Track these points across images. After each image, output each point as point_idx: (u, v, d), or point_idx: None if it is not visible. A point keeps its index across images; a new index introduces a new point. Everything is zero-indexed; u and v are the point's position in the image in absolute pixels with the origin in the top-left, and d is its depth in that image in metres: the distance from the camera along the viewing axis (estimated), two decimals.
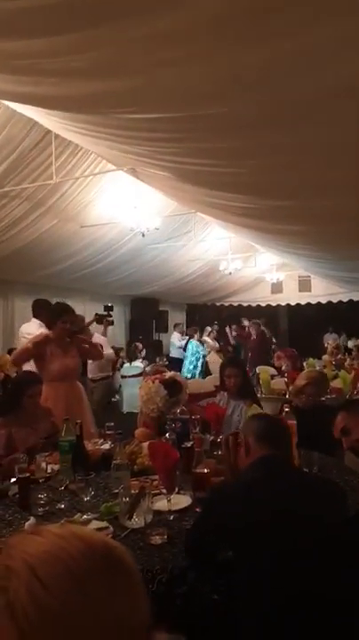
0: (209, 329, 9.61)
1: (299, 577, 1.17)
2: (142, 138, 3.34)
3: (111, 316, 5.82)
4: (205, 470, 1.87)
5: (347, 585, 1.17)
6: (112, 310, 6.36)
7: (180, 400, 2.34)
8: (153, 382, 2.24)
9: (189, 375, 8.44)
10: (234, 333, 9.82)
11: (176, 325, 11.54)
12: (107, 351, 5.43)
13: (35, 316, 4.83)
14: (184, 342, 10.08)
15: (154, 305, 11.18)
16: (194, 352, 8.63)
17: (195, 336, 9.57)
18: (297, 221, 4.83)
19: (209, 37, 1.94)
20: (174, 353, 10.60)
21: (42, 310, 4.72)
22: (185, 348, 9.88)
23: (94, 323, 5.18)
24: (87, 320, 5.28)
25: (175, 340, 10.73)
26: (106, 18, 1.78)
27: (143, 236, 6.70)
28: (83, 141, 4.38)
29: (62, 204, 6.34)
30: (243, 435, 1.55)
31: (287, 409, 2.44)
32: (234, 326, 10.28)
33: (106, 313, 5.67)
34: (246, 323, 9.86)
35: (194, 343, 8.83)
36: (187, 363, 8.63)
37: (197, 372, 9.09)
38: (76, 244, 7.30)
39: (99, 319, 5.39)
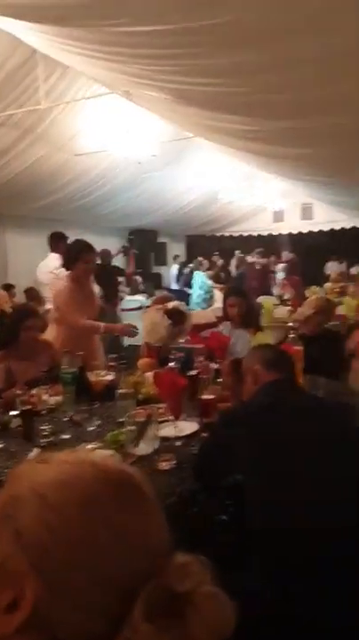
0: (200, 259, 9.42)
1: (311, 501, 1.18)
2: (137, 55, 3.07)
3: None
4: (212, 396, 1.87)
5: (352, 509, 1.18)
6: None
7: (184, 330, 2.31)
8: (156, 312, 2.19)
9: (198, 308, 8.39)
10: (237, 263, 9.70)
11: (175, 257, 11.38)
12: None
13: (53, 249, 4.75)
14: (182, 273, 9.98)
15: (152, 237, 10.94)
16: (201, 284, 8.48)
17: (201, 267, 9.41)
18: (301, 143, 4.58)
19: None
20: (175, 286, 10.55)
21: (60, 243, 4.64)
22: (185, 280, 9.77)
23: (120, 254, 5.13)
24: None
25: (175, 272, 10.63)
26: None
27: (139, 163, 6.41)
28: (73, 61, 4.04)
29: (53, 132, 6.00)
30: (250, 364, 1.53)
31: (292, 335, 2.41)
32: (238, 256, 10.11)
33: (128, 245, 5.72)
34: (248, 257, 9.71)
35: (201, 275, 8.66)
36: (194, 295, 8.54)
37: (206, 305, 9.02)
38: (69, 174, 7.00)
39: (126, 251, 5.39)
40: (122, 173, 7.50)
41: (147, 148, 6.22)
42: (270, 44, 2.60)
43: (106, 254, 6.75)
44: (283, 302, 5.54)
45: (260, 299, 6.18)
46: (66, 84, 5.29)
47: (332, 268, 9.50)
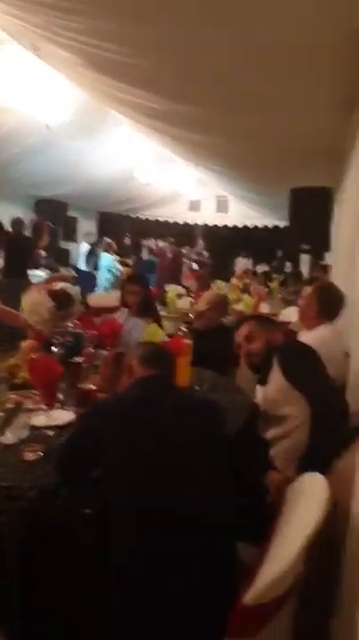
0: (109, 241, 9.20)
1: (169, 495, 1.16)
2: (38, 3, 2.80)
3: None
4: (91, 386, 1.79)
5: (217, 505, 1.19)
6: None
7: (71, 314, 2.19)
8: (39, 292, 2.05)
9: (104, 291, 8.15)
10: (150, 247, 9.60)
11: (86, 235, 10.99)
12: None
13: None
14: (94, 254, 9.66)
15: (61, 209, 10.40)
16: (108, 267, 8.26)
17: (110, 249, 9.16)
18: (210, 133, 4.57)
19: None
20: (84, 265, 10.22)
21: None
22: (95, 261, 9.49)
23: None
24: None
25: (84, 251, 10.26)
26: None
27: (48, 128, 6.00)
28: None
29: None
30: (129, 358, 1.49)
31: (184, 329, 2.40)
32: (150, 241, 10.01)
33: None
34: (161, 243, 9.65)
35: (109, 257, 8.42)
36: (101, 278, 8.28)
37: (113, 288, 8.79)
38: None
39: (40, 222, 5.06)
40: (31, 136, 6.99)
41: (61, 112, 5.85)
42: (175, 20, 2.49)
43: (18, 223, 6.32)
44: (189, 294, 5.59)
45: (168, 287, 6.20)
46: None
47: (240, 264, 9.80)
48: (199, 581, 1.10)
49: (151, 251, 9.23)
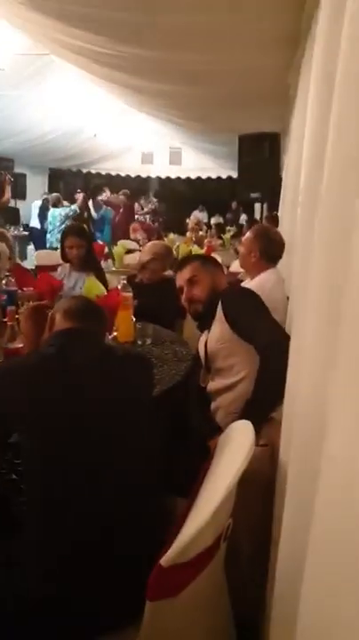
0: (58, 195, 8.81)
1: (87, 453, 1.11)
2: None
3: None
4: (19, 345, 1.70)
5: (135, 461, 1.15)
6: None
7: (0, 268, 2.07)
8: None
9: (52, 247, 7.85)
10: (103, 199, 9.22)
11: (44, 194, 10.51)
12: None
13: None
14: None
15: (8, 166, 9.86)
16: (57, 222, 7.92)
17: (59, 204, 8.76)
18: (160, 78, 4.37)
19: None
20: (35, 223, 9.82)
21: None
22: (44, 217, 9.10)
23: None
24: None
25: (37, 209, 9.82)
26: None
27: None
28: None
29: None
30: (54, 311, 1.38)
31: (124, 281, 2.31)
32: (104, 193, 9.62)
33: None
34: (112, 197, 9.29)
35: (57, 211, 8.05)
36: (49, 235, 7.95)
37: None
38: None
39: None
40: None
41: None
42: None
43: None
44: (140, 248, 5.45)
45: (119, 242, 6.03)
46: None
47: (195, 217, 9.65)
48: (122, 537, 1.07)
49: (105, 203, 8.89)
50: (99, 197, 8.73)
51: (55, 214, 7.40)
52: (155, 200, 9.91)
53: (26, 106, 7.67)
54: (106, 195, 8.99)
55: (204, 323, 1.91)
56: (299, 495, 0.87)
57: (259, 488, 1.36)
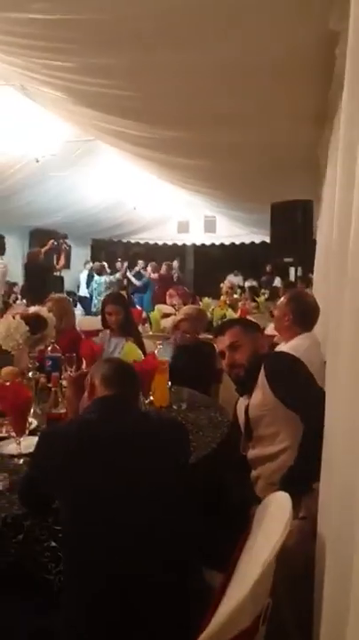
0: (102, 264, 9.27)
1: (124, 520, 1.12)
2: (22, 46, 2.91)
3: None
4: (62, 411, 1.76)
5: (171, 532, 1.14)
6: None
7: (46, 337, 2.17)
8: (14, 318, 2.04)
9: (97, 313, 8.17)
10: (147, 270, 9.71)
11: (86, 263, 11.11)
12: None
13: None
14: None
15: (54, 238, 10.55)
16: (102, 289, 8.27)
17: (103, 272, 9.20)
18: (194, 155, 4.67)
19: None
20: (83, 291, 10.27)
21: None
22: (88, 285, 9.55)
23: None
24: None
25: (85, 277, 10.35)
26: None
27: (37, 162, 6.17)
28: None
29: None
30: (92, 378, 1.44)
31: (160, 346, 2.37)
32: (140, 265, 10.12)
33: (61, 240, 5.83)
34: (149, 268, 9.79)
35: (102, 279, 8.43)
36: (95, 301, 8.31)
37: None
38: None
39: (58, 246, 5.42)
40: (21, 171, 7.15)
41: (48, 147, 6.01)
42: (154, 50, 2.58)
43: (35, 256, 6.86)
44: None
45: (156, 306, 6.20)
46: None
47: (231, 280, 9.86)
48: (154, 611, 1.05)
49: (142, 271, 9.31)
50: (137, 268, 9.20)
51: (100, 281, 7.77)
52: (176, 266, 10.26)
53: (73, 184, 8.32)
54: (141, 266, 9.48)
55: (245, 387, 1.87)
56: (338, 570, 0.84)
57: (300, 564, 1.30)
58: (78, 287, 10.76)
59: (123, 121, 4.01)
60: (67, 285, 10.76)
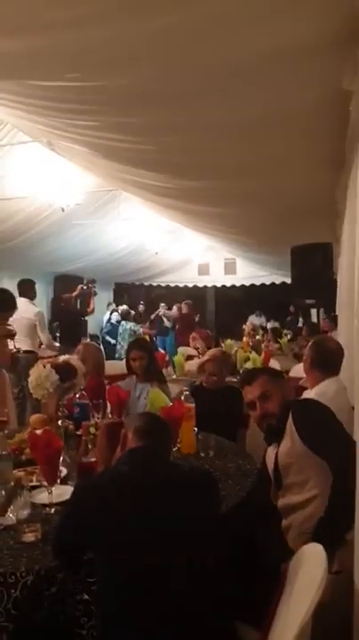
0: (127, 308, 9.44)
1: (155, 573, 1.12)
2: (54, 108, 3.14)
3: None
4: (92, 459, 1.79)
5: (206, 583, 1.14)
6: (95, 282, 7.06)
7: (76, 385, 2.23)
8: (44, 366, 2.11)
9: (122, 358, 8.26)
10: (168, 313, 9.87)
11: (108, 305, 11.34)
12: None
13: (23, 294, 5.33)
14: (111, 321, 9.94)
15: (79, 283, 10.83)
16: (126, 335, 8.40)
17: (129, 317, 9.36)
18: (214, 203, 4.83)
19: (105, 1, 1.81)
20: (108, 336, 10.42)
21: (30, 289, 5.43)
22: (113, 330, 9.71)
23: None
24: None
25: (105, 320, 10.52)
26: None
27: (63, 211, 6.44)
28: None
29: None
30: (125, 429, 1.48)
31: (186, 391, 2.40)
32: (161, 308, 10.28)
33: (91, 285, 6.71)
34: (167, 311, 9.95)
35: (128, 324, 8.56)
36: (119, 346, 8.42)
37: None
38: None
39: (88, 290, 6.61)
40: (47, 219, 7.47)
41: (73, 196, 6.30)
42: (173, 108, 2.75)
43: (68, 300, 7.22)
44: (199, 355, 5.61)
45: (179, 349, 6.24)
46: None
47: (252, 321, 9.88)
48: None
49: (164, 314, 9.44)
50: (157, 312, 9.35)
51: (126, 327, 7.91)
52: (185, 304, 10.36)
53: (97, 231, 8.62)
54: (162, 310, 9.63)
55: (275, 436, 1.86)
56: None
57: (335, 622, 1.27)
58: (101, 330, 10.92)
59: (145, 172, 4.21)
60: (90, 329, 10.96)
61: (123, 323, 8.46)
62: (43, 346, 7.94)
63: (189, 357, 5.49)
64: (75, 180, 6.30)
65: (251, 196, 4.55)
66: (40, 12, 1.89)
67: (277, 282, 11.25)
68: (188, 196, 4.68)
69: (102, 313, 11.13)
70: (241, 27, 1.87)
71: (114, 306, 10.90)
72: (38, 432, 1.83)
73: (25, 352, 5.20)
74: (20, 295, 5.47)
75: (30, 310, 5.44)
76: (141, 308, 10.21)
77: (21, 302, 5.38)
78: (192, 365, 4.73)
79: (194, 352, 5.94)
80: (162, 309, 10.38)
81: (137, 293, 13.21)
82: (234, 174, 3.92)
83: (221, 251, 10.52)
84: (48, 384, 2.06)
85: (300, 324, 9.96)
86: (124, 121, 3.05)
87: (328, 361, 2.42)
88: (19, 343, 5.36)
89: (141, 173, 4.27)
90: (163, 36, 1.98)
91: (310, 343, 2.57)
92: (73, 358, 2.24)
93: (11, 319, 5.04)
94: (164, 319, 9.79)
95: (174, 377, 4.50)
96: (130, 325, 8.19)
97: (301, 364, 4.65)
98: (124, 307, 9.55)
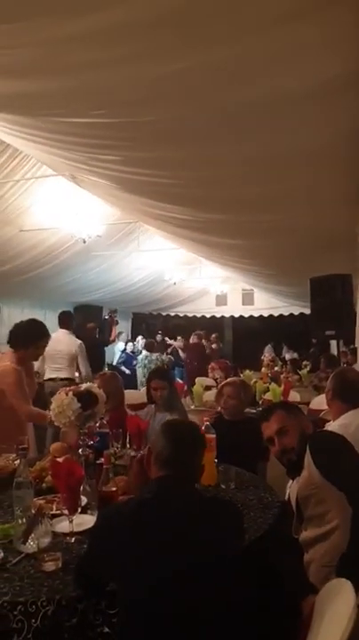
0: (149, 340, 9.54)
1: (181, 600, 1.10)
2: (76, 144, 3.28)
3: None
4: (112, 489, 1.78)
5: (231, 608, 1.12)
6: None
7: (97, 413, 2.24)
8: (66, 394, 2.13)
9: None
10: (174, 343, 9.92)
11: (119, 334, 11.39)
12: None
13: (64, 326, 5.50)
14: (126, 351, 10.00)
15: (98, 313, 10.97)
16: (152, 365, 8.43)
17: (154, 349, 9.39)
18: (231, 235, 4.91)
19: (136, 42, 1.91)
20: (119, 362, 10.46)
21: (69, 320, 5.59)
22: (132, 359, 9.76)
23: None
24: None
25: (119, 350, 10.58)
26: (34, 14, 1.73)
27: (84, 242, 6.59)
28: (21, 144, 4.25)
29: (0, 207, 6.10)
30: (148, 451, 1.47)
31: (207, 422, 2.39)
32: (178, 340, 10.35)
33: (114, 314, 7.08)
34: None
35: (148, 354, 8.58)
36: (140, 375, 8.47)
37: None
38: (15, 249, 7.03)
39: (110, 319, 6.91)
40: (69, 251, 7.65)
41: (94, 228, 6.46)
42: (196, 144, 2.85)
43: (92, 329, 7.38)
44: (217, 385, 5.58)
45: (196, 380, 6.22)
46: (16, 164, 5.48)
47: (269, 352, 9.82)
48: None
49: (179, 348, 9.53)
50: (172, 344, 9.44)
51: (152, 359, 7.96)
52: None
53: (116, 262, 8.79)
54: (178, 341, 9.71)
55: (295, 470, 1.85)
56: None
57: None
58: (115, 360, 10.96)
59: (167, 205, 4.32)
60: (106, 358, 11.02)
61: (147, 353, 8.45)
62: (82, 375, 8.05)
63: (207, 388, 5.47)
64: (96, 213, 6.48)
65: (271, 229, 4.61)
66: (67, 53, 2.01)
67: (296, 312, 11.24)
68: (209, 228, 4.77)
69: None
70: (267, 67, 1.96)
71: (129, 336, 10.98)
72: (60, 460, 1.84)
73: (62, 379, 5.24)
74: (61, 327, 5.64)
75: (72, 342, 5.56)
76: (159, 337, 10.26)
77: (62, 333, 5.51)
78: (210, 396, 4.71)
79: (212, 382, 5.91)
80: (178, 341, 10.42)
81: (154, 323, 13.30)
82: (255, 208, 4.00)
83: (239, 282, 10.59)
84: (70, 412, 2.07)
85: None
86: (148, 155, 3.16)
87: (350, 392, 2.40)
88: (61, 372, 5.44)
89: (163, 206, 4.38)
90: (188, 76, 2.08)
91: (332, 374, 2.56)
92: (94, 386, 2.26)
93: (53, 351, 5.11)
94: (180, 351, 9.82)
95: (193, 407, 4.48)
96: (155, 355, 8.24)
97: (321, 396, 4.61)
98: (150, 340, 9.55)
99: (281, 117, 2.39)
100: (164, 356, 8.69)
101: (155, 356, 8.22)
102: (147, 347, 8.65)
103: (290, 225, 4.42)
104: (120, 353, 10.48)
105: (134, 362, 9.73)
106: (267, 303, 11.58)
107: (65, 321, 5.74)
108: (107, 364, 10.58)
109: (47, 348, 3.33)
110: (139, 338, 10.22)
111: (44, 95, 2.54)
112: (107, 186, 4.30)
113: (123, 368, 9.87)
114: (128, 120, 2.62)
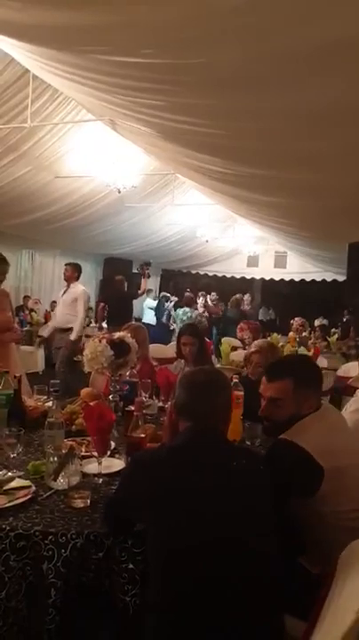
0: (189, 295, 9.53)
1: (206, 549, 1.13)
2: (120, 86, 3.14)
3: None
4: (141, 435, 1.81)
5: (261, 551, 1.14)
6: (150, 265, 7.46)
7: (129, 362, 2.26)
8: (100, 341, 2.14)
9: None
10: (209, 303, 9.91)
11: (149, 291, 11.41)
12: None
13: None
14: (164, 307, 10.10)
15: (127, 266, 10.98)
16: (184, 320, 8.46)
17: (196, 304, 9.38)
18: (273, 192, 4.73)
19: None
20: (147, 319, 10.51)
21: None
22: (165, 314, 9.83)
23: None
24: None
25: (149, 304, 10.62)
26: None
27: (119, 192, 6.49)
28: (61, 84, 4.12)
29: (37, 152, 6.02)
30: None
31: (236, 379, 2.38)
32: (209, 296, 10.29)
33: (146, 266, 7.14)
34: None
35: (186, 310, 8.56)
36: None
37: None
38: (50, 195, 7.01)
39: (142, 271, 6.98)
40: (102, 201, 7.56)
41: (130, 179, 6.34)
42: (244, 93, 2.69)
43: (120, 282, 7.47)
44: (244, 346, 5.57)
45: (223, 339, 6.21)
46: (55, 107, 5.37)
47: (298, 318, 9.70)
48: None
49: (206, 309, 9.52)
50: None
51: (187, 311, 7.96)
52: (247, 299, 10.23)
53: (149, 215, 8.67)
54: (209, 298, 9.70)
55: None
56: None
57: None
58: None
59: (207, 157, 4.17)
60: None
61: (185, 309, 8.40)
62: (92, 324, 8.15)
63: (234, 348, 5.47)
64: (134, 162, 6.34)
65: (312, 188, 4.42)
66: None
67: (329, 279, 10.98)
68: (249, 183, 4.61)
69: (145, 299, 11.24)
70: (323, 9, 1.80)
71: (153, 292, 11.01)
72: (92, 404, 1.87)
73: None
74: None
75: (78, 288, 5.58)
76: (187, 295, 10.23)
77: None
78: (237, 356, 4.71)
79: (238, 343, 5.90)
80: (209, 298, 10.33)
81: (183, 281, 13.23)
82: (299, 164, 3.81)
83: (273, 243, 10.34)
84: (103, 359, 2.09)
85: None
86: (195, 102, 3.01)
87: None
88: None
89: (202, 157, 4.23)
90: (243, 16, 1.94)
91: None
92: (127, 336, 2.27)
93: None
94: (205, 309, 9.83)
95: (219, 366, 4.49)
96: (196, 313, 8.25)
97: (350, 363, 4.55)
98: (189, 295, 9.48)
99: (336, 67, 2.22)
100: (204, 314, 8.71)
101: (195, 313, 8.21)
102: (187, 302, 8.63)
103: (333, 185, 4.22)
104: (146, 308, 10.52)
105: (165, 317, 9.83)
106: (299, 267, 11.32)
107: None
108: (135, 318, 10.68)
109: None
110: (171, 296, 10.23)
111: (89, 30, 2.42)
112: (148, 134, 4.17)
113: (146, 322, 9.95)
114: (178, 61, 2.48)
